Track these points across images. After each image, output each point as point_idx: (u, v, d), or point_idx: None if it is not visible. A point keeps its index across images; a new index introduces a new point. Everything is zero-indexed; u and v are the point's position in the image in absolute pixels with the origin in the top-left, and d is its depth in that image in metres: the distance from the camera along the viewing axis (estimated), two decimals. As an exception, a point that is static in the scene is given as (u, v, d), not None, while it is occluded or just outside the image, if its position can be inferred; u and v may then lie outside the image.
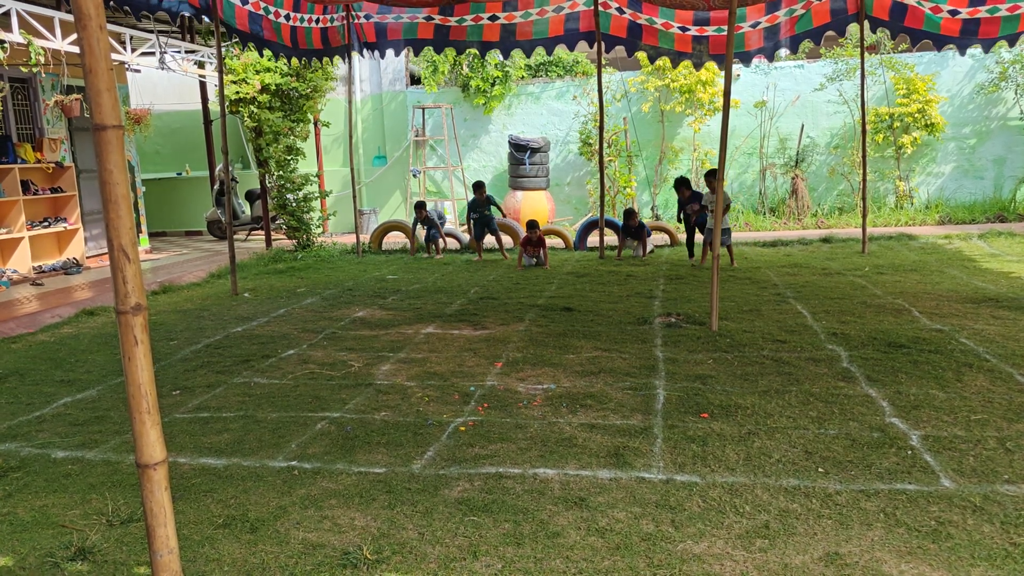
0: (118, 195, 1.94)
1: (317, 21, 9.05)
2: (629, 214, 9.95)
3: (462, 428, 3.94)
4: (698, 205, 9.14)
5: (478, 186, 10.46)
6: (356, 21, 9.45)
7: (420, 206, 10.76)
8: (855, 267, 8.37)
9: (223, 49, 10.08)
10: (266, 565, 2.69)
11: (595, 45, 9.39)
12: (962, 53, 8.78)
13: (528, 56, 9.74)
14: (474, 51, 9.77)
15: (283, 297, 8.01)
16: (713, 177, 8.59)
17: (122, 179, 1.94)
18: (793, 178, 13.00)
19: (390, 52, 9.74)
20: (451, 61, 13.99)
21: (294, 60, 9.21)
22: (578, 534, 2.82)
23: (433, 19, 9.17)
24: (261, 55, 10.74)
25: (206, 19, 7.89)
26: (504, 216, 10.95)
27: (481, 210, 10.33)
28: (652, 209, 13.80)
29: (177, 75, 11.53)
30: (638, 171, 13.81)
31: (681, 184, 9.29)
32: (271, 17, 8.30)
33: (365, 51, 9.73)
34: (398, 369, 5.10)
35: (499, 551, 2.72)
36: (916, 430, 3.66)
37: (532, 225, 9.42)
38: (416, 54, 11.82)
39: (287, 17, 8.47)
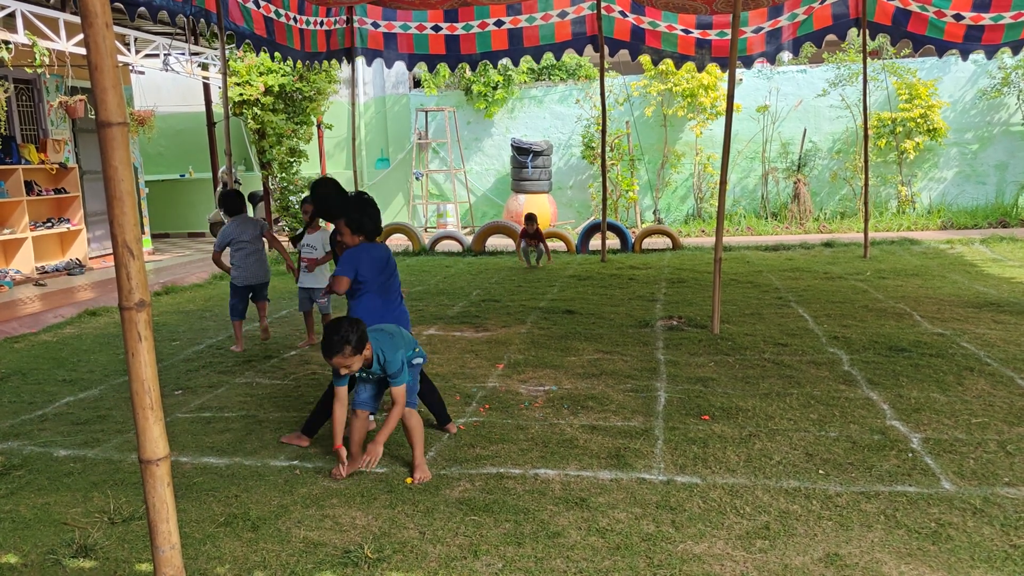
0: (123, 191, 1.95)
1: (321, 24, 9.05)
2: (529, 219, 9.47)
3: (463, 428, 3.95)
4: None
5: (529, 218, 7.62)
6: (361, 26, 9.43)
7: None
8: (857, 271, 8.36)
9: (227, 51, 10.10)
10: (267, 563, 2.69)
11: (598, 49, 9.40)
12: (964, 58, 8.79)
13: (538, 62, 9.67)
14: (485, 62, 9.68)
15: (285, 298, 8.02)
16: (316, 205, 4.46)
17: (127, 175, 1.95)
18: (795, 182, 13.00)
19: (400, 64, 9.62)
20: (453, 64, 14.01)
21: (298, 63, 9.17)
22: (579, 534, 2.82)
23: (441, 28, 9.11)
24: (272, 58, 10.73)
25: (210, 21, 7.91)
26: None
27: None
28: (654, 213, 13.81)
29: (181, 77, 11.57)
30: (640, 175, 13.81)
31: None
32: (282, 20, 8.32)
33: (373, 59, 9.57)
34: (400, 370, 5.10)
35: (500, 550, 2.73)
36: (917, 433, 3.66)
37: (530, 218, 9.46)
38: (431, 70, 11.65)
39: (295, 19, 8.48)
